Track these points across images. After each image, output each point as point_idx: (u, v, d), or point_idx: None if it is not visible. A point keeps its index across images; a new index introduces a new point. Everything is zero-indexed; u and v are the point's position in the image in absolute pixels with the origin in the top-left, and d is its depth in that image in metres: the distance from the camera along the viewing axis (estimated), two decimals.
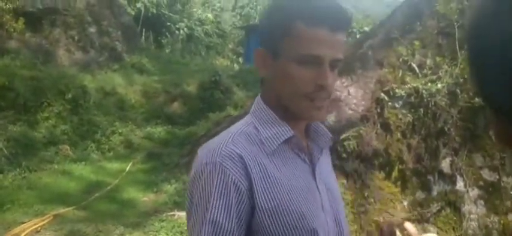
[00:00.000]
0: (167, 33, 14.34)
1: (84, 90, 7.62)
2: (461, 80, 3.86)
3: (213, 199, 0.88)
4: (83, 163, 6.15)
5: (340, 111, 4.09)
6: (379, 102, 4.04)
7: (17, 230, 3.98)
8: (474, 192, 3.82)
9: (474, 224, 3.76)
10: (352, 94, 4.14)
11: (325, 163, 1.08)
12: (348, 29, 0.97)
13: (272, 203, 0.91)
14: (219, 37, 16.61)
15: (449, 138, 3.85)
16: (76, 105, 7.29)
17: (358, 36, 11.16)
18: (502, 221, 3.74)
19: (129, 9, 12.34)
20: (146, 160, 6.46)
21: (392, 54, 4.22)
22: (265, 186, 0.91)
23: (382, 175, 3.94)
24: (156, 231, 4.13)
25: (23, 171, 5.43)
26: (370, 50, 4.38)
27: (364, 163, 3.89)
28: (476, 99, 3.66)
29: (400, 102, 4.00)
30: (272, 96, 0.99)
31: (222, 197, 0.88)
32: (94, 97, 7.74)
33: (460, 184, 3.84)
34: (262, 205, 0.90)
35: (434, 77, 3.96)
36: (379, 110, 4.02)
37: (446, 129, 3.85)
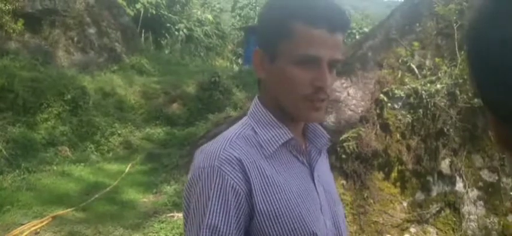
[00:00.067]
0: (166, 34, 14.34)
1: (83, 91, 7.61)
2: (461, 81, 3.86)
3: (211, 203, 0.87)
4: (82, 164, 6.14)
5: (339, 112, 4.09)
6: (378, 102, 4.04)
7: (16, 231, 3.97)
8: (474, 193, 3.82)
9: (474, 225, 3.76)
10: (351, 95, 4.15)
11: (323, 164, 1.07)
12: (347, 30, 0.96)
13: (271, 207, 0.90)
14: (219, 38, 16.61)
15: (448, 139, 3.85)
16: (75, 106, 7.28)
17: (357, 36, 11.17)
18: (501, 222, 3.75)
19: (128, 10, 12.34)
20: (145, 161, 6.45)
21: (392, 55, 4.23)
22: (264, 190, 0.90)
23: (381, 175, 3.94)
24: (156, 232, 4.13)
25: (22, 172, 5.43)
26: (369, 50, 4.38)
27: (364, 164, 3.89)
28: (476, 100, 3.66)
29: (400, 103, 4.00)
30: (270, 97, 0.98)
31: (220, 201, 0.87)
32: (93, 98, 7.73)
33: (459, 185, 3.84)
34: (262, 209, 0.89)
35: (433, 78, 3.96)
36: (378, 111, 4.02)
37: (445, 129, 3.85)
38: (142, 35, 12.61)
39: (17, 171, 5.43)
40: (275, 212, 0.90)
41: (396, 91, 3.95)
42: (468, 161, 3.86)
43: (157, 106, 8.66)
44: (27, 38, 9.01)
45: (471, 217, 3.78)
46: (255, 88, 1.05)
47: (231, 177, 0.88)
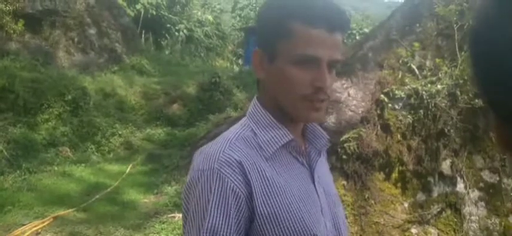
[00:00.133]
0: (167, 35, 14.35)
1: (84, 91, 7.62)
2: (461, 81, 3.86)
3: (211, 206, 0.86)
4: (83, 165, 6.15)
5: (340, 113, 4.09)
6: (379, 103, 4.04)
7: (17, 232, 3.97)
8: (475, 194, 3.82)
9: (475, 225, 3.76)
10: (352, 96, 4.15)
11: (322, 165, 1.07)
12: (346, 30, 0.95)
13: (272, 210, 0.89)
14: (219, 38, 16.61)
15: (449, 140, 3.85)
16: (76, 107, 7.29)
17: (357, 37, 11.18)
18: (503, 223, 3.74)
19: (128, 11, 12.34)
20: (146, 162, 6.45)
21: (392, 56, 4.23)
22: (264, 192, 0.89)
23: (382, 176, 3.94)
24: (157, 233, 4.13)
25: (23, 173, 5.43)
26: (370, 51, 4.38)
27: (365, 164, 3.89)
28: (476, 101, 3.66)
29: (400, 104, 4.00)
30: (269, 98, 0.97)
31: (220, 205, 0.86)
32: (94, 99, 7.74)
33: (460, 186, 3.84)
34: (262, 212, 0.88)
35: (434, 79, 3.96)
36: (379, 111, 4.03)
37: (446, 130, 3.85)
38: (143, 35, 12.61)
39: (18, 171, 5.43)
40: (276, 215, 0.89)
41: (397, 92, 3.95)
42: (469, 162, 3.86)
43: (158, 107, 8.66)
44: (27, 39, 9.02)
45: (472, 218, 3.78)
46: (255, 89, 1.04)
47: (231, 180, 0.87)
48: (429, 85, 3.90)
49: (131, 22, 11.64)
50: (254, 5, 18.30)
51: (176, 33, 14.57)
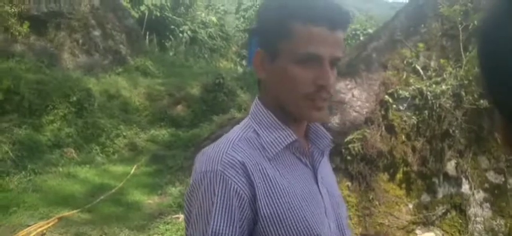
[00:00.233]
0: (171, 36, 14.38)
1: (88, 93, 7.65)
2: (466, 82, 3.84)
3: (215, 209, 0.85)
4: (88, 166, 6.17)
5: (344, 113, 4.08)
6: (383, 104, 4.03)
7: (22, 233, 3.99)
8: (480, 195, 3.80)
9: (480, 227, 3.74)
10: (356, 97, 4.14)
11: (326, 166, 1.06)
12: (347, 27, 0.94)
13: (275, 212, 0.88)
14: (223, 40, 16.63)
15: (454, 140, 3.84)
16: (81, 108, 7.32)
17: (361, 38, 11.15)
18: (508, 224, 3.72)
19: (133, 13, 12.39)
20: (150, 163, 6.47)
21: (397, 56, 4.22)
22: (268, 194, 0.89)
23: (386, 177, 3.93)
24: (161, 234, 4.14)
25: (28, 174, 5.46)
26: (374, 52, 4.37)
27: (369, 165, 3.88)
28: (481, 101, 3.65)
29: (405, 104, 3.99)
30: (271, 98, 0.96)
31: (224, 207, 0.85)
32: (98, 100, 7.77)
33: (465, 187, 3.82)
34: (266, 214, 0.88)
35: (438, 79, 3.95)
36: (383, 112, 4.02)
37: (451, 131, 3.83)
38: (147, 37, 12.65)
39: (23, 172, 5.46)
40: (279, 217, 0.88)
41: (401, 92, 3.94)
42: (474, 162, 3.84)
43: (162, 108, 8.68)
44: (32, 41, 9.07)
45: (477, 219, 3.76)
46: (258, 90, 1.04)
47: (234, 182, 0.86)
48: (434, 85, 3.89)
49: (135, 24, 11.68)
50: (258, 6, 18.28)
51: (180, 35, 14.60)
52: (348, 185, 3.85)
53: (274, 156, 0.93)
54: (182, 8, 15.68)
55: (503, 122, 0.52)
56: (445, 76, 3.93)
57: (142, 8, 13.22)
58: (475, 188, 3.79)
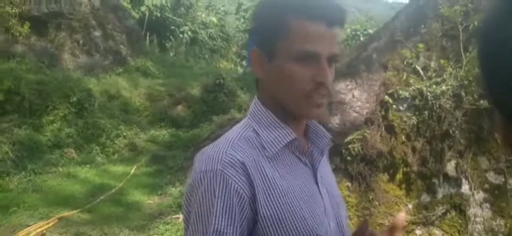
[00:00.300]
0: (171, 37, 14.37)
1: (89, 93, 7.65)
2: (466, 82, 3.84)
3: (216, 208, 0.85)
4: (88, 166, 6.17)
5: (344, 114, 4.08)
6: (383, 104, 4.03)
7: (22, 233, 4.00)
8: (480, 195, 3.80)
9: (480, 227, 3.74)
10: (356, 97, 4.14)
11: (325, 166, 1.06)
12: (344, 24, 0.93)
13: (275, 212, 0.88)
14: (223, 40, 16.62)
15: (454, 141, 3.84)
16: (81, 109, 7.32)
17: (362, 38, 11.14)
18: (508, 225, 3.72)
19: (133, 13, 12.38)
20: (150, 163, 6.47)
21: (397, 57, 4.22)
22: (267, 194, 0.88)
23: (386, 177, 3.93)
24: (161, 234, 4.14)
25: (28, 174, 5.46)
26: (374, 52, 4.37)
27: (369, 165, 3.88)
28: (481, 102, 3.65)
29: (405, 105, 3.99)
30: (269, 97, 0.96)
31: (224, 206, 0.85)
32: (99, 101, 7.77)
33: (465, 187, 3.82)
34: (265, 214, 0.87)
35: (438, 80, 3.95)
36: (383, 113, 4.02)
37: (451, 131, 3.83)
38: (147, 37, 12.63)
39: (23, 172, 5.47)
40: (279, 217, 0.88)
41: (401, 93, 3.94)
42: (474, 163, 3.84)
43: (162, 109, 8.68)
44: (33, 41, 9.07)
45: (477, 219, 3.76)
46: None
47: (235, 181, 0.86)
48: (434, 86, 3.89)
49: (136, 24, 11.67)
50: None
51: (180, 35, 14.59)
52: (347, 186, 3.85)
53: (273, 155, 0.92)
54: (182, 8, 15.66)
55: (503, 122, 0.52)
56: (445, 76, 3.93)
57: (143, 8, 13.21)
58: (475, 189, 3.79)
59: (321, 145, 1.02)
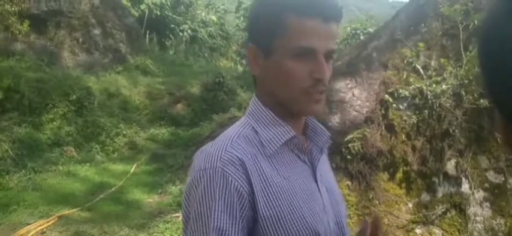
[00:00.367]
0: (171, 35, 14.36)
1: (88, 91, 7.65)
2: (466, 81, 3.84)
3: (216, 206, 0.84)
4: (88, 164, 6.18)
5: (344, 113, 4.08)
6: (383, 103, 4.03)
7: (22, 231, 4.00)
8: (479, 194, 3.80)
9: (480, 226, 3.74)
10: (356, 96, 4.14)
11: (324, 164, 1.05)
12: (340, 20, 0.93)
13: (274, 211, 0.88)
14: (223, 39, 16.61)
15: (454, 140, 3.84)
16: (80, 107, 7.32)
17: (362, 37, 11.14)
18: (508, 224, 3.72)
19: (133, 11, 12.36)
20: (150, 162, 6.47)
21: (397, 56, 4.21)
22: (266, 193, 0.88)
23: (386, 176, 3.93)
24: (161, 232, 4.14)
25: (28, 172, 5.46)
26: (374, 51, 4.37)
27: (369, 164, 3.88)
28: (482, 101, 3.65)
29: (405, 104, 3.99)
30: (268, 94, 0.95)
31: (225, 204, 0.84)
32: (98, 99, 7.77)
33: (465, 186, 3.83)
34: (265, 214, 0.87)
35: (439, 79, 3.95)
36: (383, 111, 4.01)
37: (451, 130, 3.83)
38: (147, 35, 12.63)
39: (23, 171, 5.47)
40: (278, 216, 0.88)
41: (401, 92, 3.94)
42: (474, 162, 3.85)
43: (162, 107, 8.68)
44: (32, 39, 9.07)
45: (477, 218, 3.76)
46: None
47: (235, 179, 0.86)
48: (434, 85, 3.89)
49: (135, 22, 11.66)
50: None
51: (180, 34, 14.58)
52: (347, 185, 3.85)
53: (273, 152, 0.92)
54: (182, 7, 15.65)
55: (503, 121, 0.52)
56: (445, 75, 3.92)
57: (143, 6, 13.19)
58: (474, 188, 3.79)
59: (320, 143, 1.01)
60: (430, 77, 4.00)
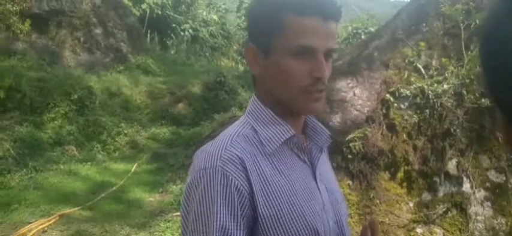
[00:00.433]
0: (172, 35, 14.36)
1: (89, 91, 7.66)
2: (468, 81, 3.84)
3: (217, 205, 0.84)
4: (89, 163, 6.18)
5: (345, 112, 4.08)
6: (384, 103, 4.03)
7: (23, 230, 4.00)
8: (481, 193, 3.80)
9: (481, 225, 3.74)
10: (357, 95, 4.14)
11: (324, 163, 1.05)
12: (339, 18, 0.93)
13: (274, 211, 0.88)
14: (224, 38, 16.60)
15: (455, 139, 3.83)
16: (82, 106, 7.33)
17: (363, 36, 11.13)
18: (509, 223, 3.72)
19: (134, 11, 12.37)
20: (151, 161, 6.48)
21: (398, 55, 4.21)
22: (265, 192, 0.88)
23: (387, 176, 3.92)
24: (162, 231, 4.15)
25: (29, 171, 5.47)
26: (375, 51, 4.36)
27: (370, 164, 3.88)
28: (483, 100, 3.64)
29: (406, 103, 3.99)
30: (267, 93, 0.95)
31: (226, 203, 0.84)
32: (100, 98, 7.78)
33: (466, 186, 3.82)
34: (264, 213, 0.87)
35: (440, 78, 3.94)
36: (384, 111, 4.01)
37: (452, 130, 3.83)
38: (148, 35, 12.63)
39: (24, 170, 5.48)
40: (277, 215, 0.88)
41: (402, 91, 3.93)
42: (475, 161, 3.84)
43: (163, 106, 8.69)
44: (34, 39, 9.08)
45: (478, 217, 3.76)
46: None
47: (235, 177, 0.86)
48: (435, 84, 3.88)
49: (137, 22, 11.66)
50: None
51: (181, 33, 14.58)
52: (348, 184, 3.85)
53: (272, 152, 0.92)
54: (183, 6, 15.65)
55: (505, 121, 0.52)
56: (446, 75, 3.92)
57: (144, 6, 13.19)
58: (476, 187, 3.79)
59: (319, 142, 1.01)
60: (431, 77, 3.99)
